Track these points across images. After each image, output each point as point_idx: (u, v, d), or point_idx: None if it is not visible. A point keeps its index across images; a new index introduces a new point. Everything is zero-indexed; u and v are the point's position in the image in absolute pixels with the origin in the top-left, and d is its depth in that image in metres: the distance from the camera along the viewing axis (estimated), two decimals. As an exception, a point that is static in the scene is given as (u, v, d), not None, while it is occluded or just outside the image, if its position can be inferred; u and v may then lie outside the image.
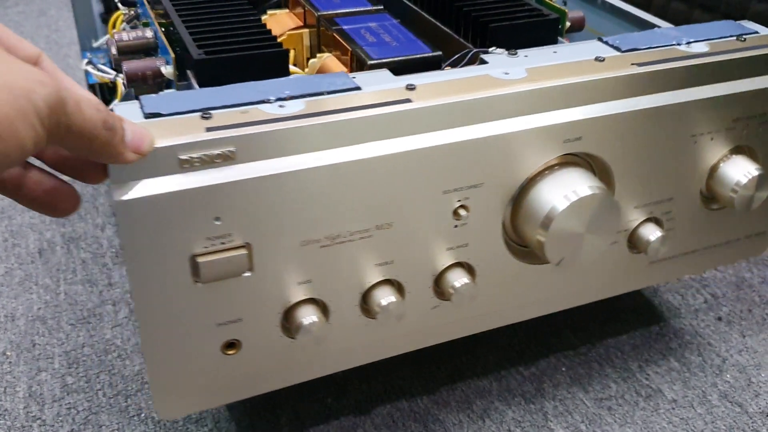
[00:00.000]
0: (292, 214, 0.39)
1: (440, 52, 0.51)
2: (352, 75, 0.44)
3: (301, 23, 0.61)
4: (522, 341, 0.64)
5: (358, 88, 0.42)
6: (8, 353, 0.63)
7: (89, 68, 0.68)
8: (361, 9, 0.58)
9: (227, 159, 0.36)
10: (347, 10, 0.57)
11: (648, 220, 0.50)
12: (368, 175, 0.40)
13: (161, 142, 0.35)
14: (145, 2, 0.56)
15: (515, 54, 0.48)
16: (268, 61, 0.47)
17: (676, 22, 0.56)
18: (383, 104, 0.40)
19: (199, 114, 0.38)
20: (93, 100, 0.31)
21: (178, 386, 0.42)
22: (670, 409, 0.58)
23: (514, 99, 0.42)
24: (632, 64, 0.46)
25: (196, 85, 0.46)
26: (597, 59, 0.47)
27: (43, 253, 0.75)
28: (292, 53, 0.59)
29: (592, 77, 0.44)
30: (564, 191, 0.44)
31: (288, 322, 0.42)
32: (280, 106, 0.40)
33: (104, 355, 0.62)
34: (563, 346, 0.64)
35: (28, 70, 0.28)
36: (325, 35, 0.57)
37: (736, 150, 0.51)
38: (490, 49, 0.49)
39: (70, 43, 1.26)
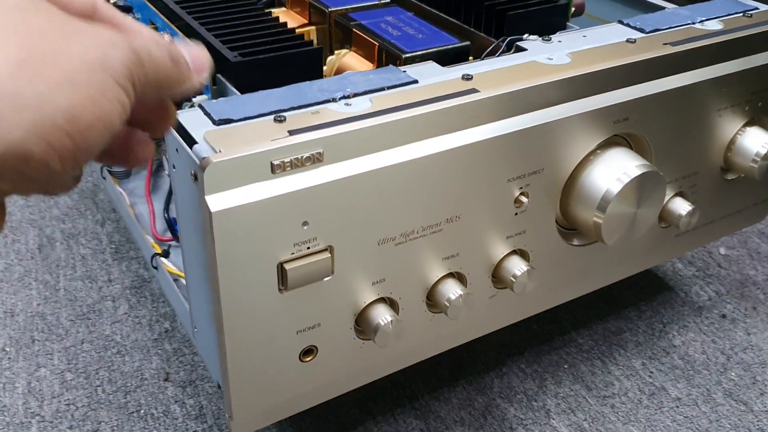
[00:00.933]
0: (372, 213, 0.38)
1: (468, 42, 0.51)
2: (402, 69, 0.43)
3: (303, 20, 0.60)
4: (524, 338, 0.63)
5: (415, 81, 0.42)
6: (7, 349, 0.61)
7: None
8: (373, 3, 0.57)
9: (316, 161, 0.35)
10: (359, 5, 0.57)
11: (676, 194, 0.52)
12: (441, 169, 0.39)
13: (251, 149, 0.34)
14: (152, 7, 0.53)
15: (549, 40, 0.48)
16: (304, 60, 0.46)
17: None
18: (451, 96, 0.40)
19: (271, 117, 0.37)
20: (153, 36, 0.27)
21: (258, 399, 0.40)
22: (674, 407, 0.57)
23: (568, 84, 0.43)
24: (664, 44, 0.47)
25: (232, 88, 0.45)
26: (629, 41, 0.48)
27: (42, 249, 0.73)
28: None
29: (636, 58, 0.45)
30: (615, 173, 0.44)
31: (361, 323, 0.42)
32: (347, 104, 0.39)
33: (103, 351, 0.61)
34: (566, 343, 0.63)
35: (95, 34, 0.24)
36: (337, 32, 0.56)
37: (750, 122, 0.53)
38: (525, 36, 0.49)
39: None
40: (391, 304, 0.43)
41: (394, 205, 0.39)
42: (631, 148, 0.48)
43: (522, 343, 0.63)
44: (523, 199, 0.44)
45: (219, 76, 0.46)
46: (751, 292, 0.70)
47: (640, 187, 0.45)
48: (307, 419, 0.55)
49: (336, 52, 0.55)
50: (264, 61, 0.45)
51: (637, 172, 0.45)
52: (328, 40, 0.57)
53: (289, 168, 0.35)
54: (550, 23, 0.55)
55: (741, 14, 0.53)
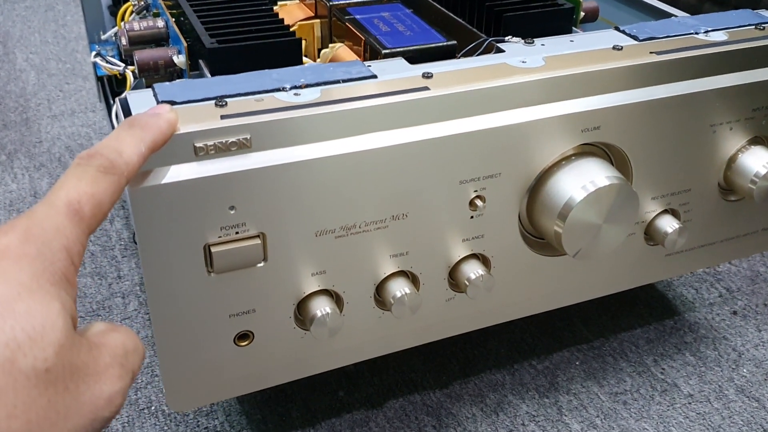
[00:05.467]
0: (307, 204, 0.38)
1: (455, 42, 0.50)
2: (367, 63, 0.43)
3: (312, 14, 0.61)
4: (535, 335, 0.63)
5: (374, 77, 0.41)
6: None
7: (98, 60, 0.67)
8: (373, -1, 0.57)
9: (242, 147, 0.36)
10: (360, 0, 0.57)
11: (665, 211, 0.50)
12: (384, 165, 0.39)
13: (176, 131, 0.34)
14: (156, -8, 0.55)
15: (532, 43, 0.47)
16: (281, 50, 0.47)
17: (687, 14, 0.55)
18: (400, 92, 0.39)
19: (213, 102, 0.38)
20: (79, 188, 0.28)
21: (191, 378, 0.41)
22: (686, 403, 0.57)
23: (531, 87, 0.41)
24: (651, 52, 0.45)
25: (208, 75, 0.46)
26: (615, 48, 0.46)
27: (51, 246, 0.75)
28: (303, 43, 0.59)
29: (610, 65, 0.43)
30: (581, 182, 0.43)
31: (302, 313, 0.42)
32: (296, 94, 0.39)
33: (113, 348, 0.62)
34: (577, 340, 0.63)
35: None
36: (337, 25, 0.56)
37: (755, 140, 0.50)
38: (507, 38, 0.48)
39: (78, 38, 1.26)
40: (336, 297, 0.42)
41: (332, 198, 0.39)
42: (611, 160, 0.46)
43: (533, 340, 0.63)
44: (479, 202, 0.43)
45: (200, 61, 0.47)
46: (761, 288, 0.69)
47: (608, 199, 0.43)
48: (318, 415, 0.56)
49: (330, 45, 0.55)
50: (238, 49, 0.46)
51: (605, 182, 0.43)
52: (329, 33, 0.58)
53: (213, 151, 0.35)
54: (552, 27, 0.53)
55: (753, 26, 0.50)
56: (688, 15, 0.55)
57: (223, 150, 0.35)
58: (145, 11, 0.60)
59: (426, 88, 0.40)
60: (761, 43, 0.48)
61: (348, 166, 0.38)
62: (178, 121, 0.34)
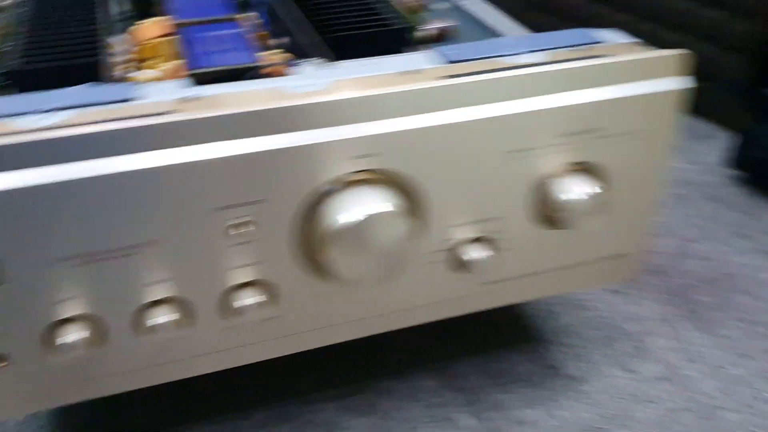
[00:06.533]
0: (39, 230, 0.38)
1: (258, 63, 0.49)
2: (136, 86, 0.43)
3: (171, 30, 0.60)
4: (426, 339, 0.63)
5: (126, 100, 0.41)
6: None
7: None
8: (214, 18, 0.57)
9: (-52, 171, 0.36)
10: (199, 19, 0.56)
11: (474, 239, 0.48)
12: (121, 190, 0.38)
13: None
14: None
15: (331, 65, 0.46)
16: (78, 73, 0.47)
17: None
18: (143, 116, 0.39)
19: (-52, 125, 0.38)
20: None
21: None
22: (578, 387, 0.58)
23: (294, 113, 0.40)
24: (442, 77, 0.44)
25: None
26: (414, 71, 0.44)
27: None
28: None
29: (392, 90, 0.41)
30: (350, 208, 0.42)
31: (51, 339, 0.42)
32: (40, 119, 0.39)
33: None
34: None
35: None
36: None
37: (573, 167, 0.48)
38: (303, 60, 0.47)
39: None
40: (96, 323, 0.42)
41: (65, 224, 0.38)
42: (399, 188, 0.44)
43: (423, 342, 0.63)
44: (243, 229, 0.42)
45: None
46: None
47: (379, 227, 0.42)
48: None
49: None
50: (41, 71, 0.46)
51: (374, 210, 0.41)
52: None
53: None
54: (383, 48, 0.52)
55: (583, 46, 0.48)
56: (527, 35, 0.53)
57: (-73, 173, 0.35)
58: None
59: (170, 113, 0.39)
60: (576, 65, 0.45)
61: (77, 191, 0.38)
62: None
